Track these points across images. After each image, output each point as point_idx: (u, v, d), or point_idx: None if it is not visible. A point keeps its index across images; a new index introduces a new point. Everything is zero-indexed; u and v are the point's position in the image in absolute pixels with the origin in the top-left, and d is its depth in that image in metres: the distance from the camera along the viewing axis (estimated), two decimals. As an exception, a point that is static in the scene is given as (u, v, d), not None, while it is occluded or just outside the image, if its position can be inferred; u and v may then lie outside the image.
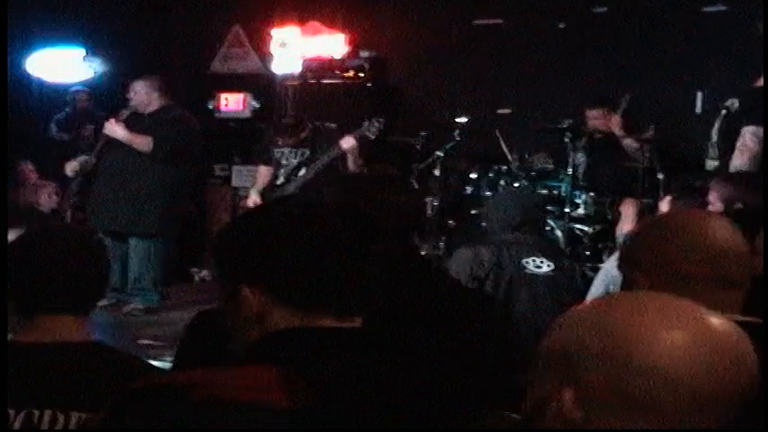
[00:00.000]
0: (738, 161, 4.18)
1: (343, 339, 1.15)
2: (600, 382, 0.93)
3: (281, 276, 1.22)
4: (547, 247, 5.07)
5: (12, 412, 1.77)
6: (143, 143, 5.40)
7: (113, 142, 5.51)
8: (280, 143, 5.75)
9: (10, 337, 2.01)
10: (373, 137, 5.70)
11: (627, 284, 1.74)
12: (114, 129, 5.47)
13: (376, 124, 5.68)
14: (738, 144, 4.23)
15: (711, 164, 4.63)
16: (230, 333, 1.31)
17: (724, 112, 4.56)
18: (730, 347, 0.93)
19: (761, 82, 4.50)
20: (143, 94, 5.54)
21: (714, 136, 4.68)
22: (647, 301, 0.99)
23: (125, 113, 5.57)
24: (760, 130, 4.24)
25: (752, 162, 4.07)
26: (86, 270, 1.91)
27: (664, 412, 0.92)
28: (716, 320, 0.96)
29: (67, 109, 7.41)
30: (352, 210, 1.41)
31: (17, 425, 1.75)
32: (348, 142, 5.50)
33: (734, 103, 4.52)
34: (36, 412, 1.75)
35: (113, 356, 1.93)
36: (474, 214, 5.75)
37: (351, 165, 5.55)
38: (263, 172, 5.82)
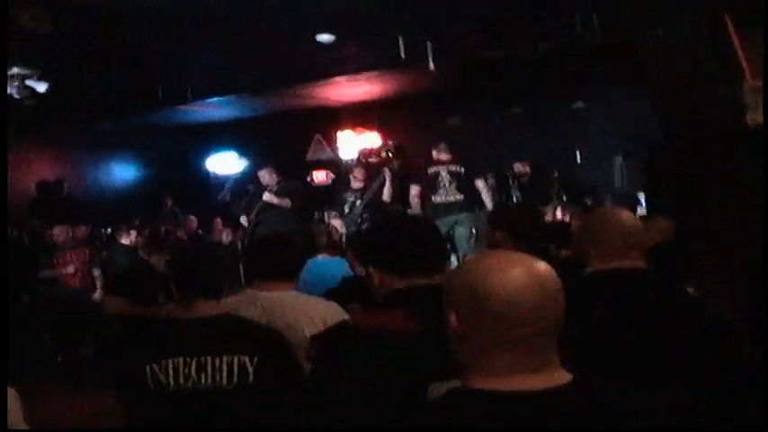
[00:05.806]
0: None
1: (427, 290, 1.44)
2: (466, 305, 1.16)
3: (387, 261, 1.69)
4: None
5: (184, 359, 2.14)
6: (285, 203, 7.67)
7: (268, 204, 7.61)
8: (348, 192, 7.88)
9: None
10: (391, 173, 7.75)
11: (583, 255, 2.10)
12: (270, 197, 7.69)
13: (391, 170, 7.86)
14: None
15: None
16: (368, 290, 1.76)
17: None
18: (542, 277, 1.16)
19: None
20: (267, 177, 7.86)
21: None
22: (488, 255, 1.22)
23: (273, 189, 7.61)
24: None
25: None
26: (222, 271, 2.34)
27: (505, 321, 1.12)
28: (533, 262, 1.18)
29: (230, 186, 8.85)
30: (422, 222, 1.94)
31: (193, 367, 2.14)
32: (379, 179, 7.76)
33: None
34: (204, 358, 2.16)
35: (243, 320, 2.32)
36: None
37: (386, 194, 7.71)
38: (335, 220, 7.73)
